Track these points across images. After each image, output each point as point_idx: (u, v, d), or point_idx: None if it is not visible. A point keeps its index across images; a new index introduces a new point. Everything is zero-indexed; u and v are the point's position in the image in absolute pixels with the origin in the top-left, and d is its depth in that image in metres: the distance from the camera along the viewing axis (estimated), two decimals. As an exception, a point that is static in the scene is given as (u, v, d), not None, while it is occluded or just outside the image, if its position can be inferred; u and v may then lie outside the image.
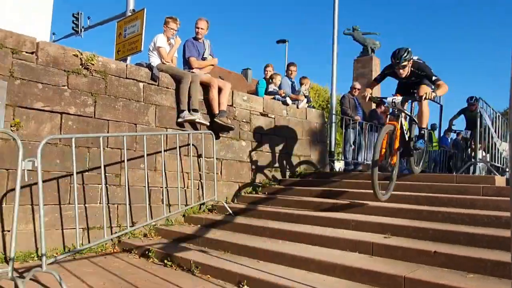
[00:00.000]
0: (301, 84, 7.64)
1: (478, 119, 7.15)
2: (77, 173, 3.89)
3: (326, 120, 7.97)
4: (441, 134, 11.45)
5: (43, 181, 3.42)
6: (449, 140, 12.04)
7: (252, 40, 73.55)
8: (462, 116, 8.80)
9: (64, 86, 4.26)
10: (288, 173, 6.52)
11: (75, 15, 13.40)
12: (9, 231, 3.69)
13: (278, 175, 6.35)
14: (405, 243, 3.34)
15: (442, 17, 72.04)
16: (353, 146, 7.92)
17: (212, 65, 5.92)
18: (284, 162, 6.50)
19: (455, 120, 8.97)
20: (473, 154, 8.28)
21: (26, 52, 4.03)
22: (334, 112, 8.45)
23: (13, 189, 3.62)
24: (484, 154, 7.93)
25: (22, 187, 3.15)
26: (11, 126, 3.85)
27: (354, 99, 8.22)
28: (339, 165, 10.57)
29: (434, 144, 10.87)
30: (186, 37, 5.81)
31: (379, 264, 3.06)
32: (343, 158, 8.36)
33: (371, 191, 4.36)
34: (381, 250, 3.32)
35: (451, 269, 2.91)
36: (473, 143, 8.02)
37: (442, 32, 71.91)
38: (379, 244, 3.38)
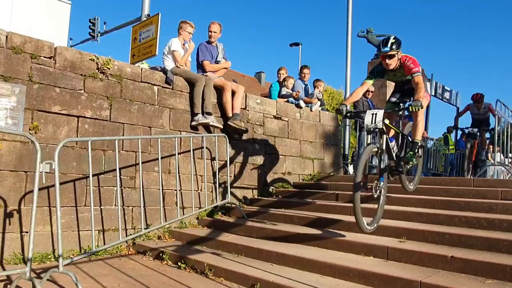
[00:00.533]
0: (315, 86, 7.61)
1: (496, 120, 7.05)
2: (93, 175, 3.95)
3: (340, 123, 7.92)
4: (458, 137, 11.26)
5: (60, 183, 3.48)
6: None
7: (265, 43, 73.69)
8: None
9: (80, 90, 4.34)
10: (301, 176, 6.50)
11: (91, 20, 13.66)
12: (27, 232, 3.77)
13: (292, 178, 6.33)
14: (421, 248, 3.28)
15: (455, 17, 70.95)
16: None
17: (226, 68, 5.95)
18: (298, 165, 6.48)
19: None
20: (486, 155, 8.23)
21: (44, 57, 4.12)
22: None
23: (31, 191, 3.70)
24: (502, 157, 7.78)
25: (39, 189, 3.21)
26: (29, 129, 3.94)
27: (368, 101, 8.14)
28: (353, 168, 10.47)
29: (450, 147, 10.70)
30: (199, 41, 5.86)
31: (395, 269, 3.02)
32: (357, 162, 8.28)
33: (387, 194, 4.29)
34: (397, 255, 3.28)
35: (469, 274, 2.85)
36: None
37: (455, 33, 70.80)
38: (394, 249, 3.33)
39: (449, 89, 12.59)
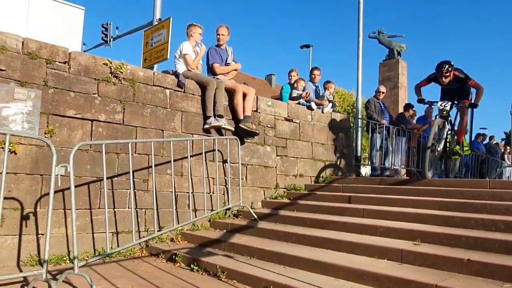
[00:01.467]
0: (325, 88, 7.58)
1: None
2: (107, 178, 4.00)
3: (352, 124, 7.87)
4: (473, 138, 11.09)
5: (75, 186, 3.52)
6: (482, 145, 11.66)
7: (276, 46, 73.81)
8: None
9: (94, 94, 4.40)
10: (313, 178, 6.47)
11: (104, 25, 13.84)
12: (43, 234, 3.83)
13: (304, 180, 6.31)
14: (436, 250, 3.23)
15: (468, 16, 69.97)
16: (379, 151, 7.77)
17: (236, 70, 5.96)
18: (310, 167, 6.45)
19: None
20: (503, 156, 7.96)
21: (59, 62, 4.19)
22: (360, 117, 8.32)
23: (47, 194, 3.77)
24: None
25: (55, 192, 3.27)
26: (45, 133, 4.01)
27: (380, 103, 8.07)
28: (365, 170, 10.41)
29: (465, 148, 10.52)
30: (210, 44, 5.91)
31: (409, 272, 2.98)
32: (369, 163, 8.21)
33: (400, 196, 4.26)
34: (411, 258, 3.23)
35: (486, 278, 2.80)
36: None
37: (468, 31, 69.81)
38: (409, 251, 3.29)
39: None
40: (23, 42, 3.99)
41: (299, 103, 6.72)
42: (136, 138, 4.63)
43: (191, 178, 4.95)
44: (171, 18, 8.27)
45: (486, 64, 67.61)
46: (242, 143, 5.55)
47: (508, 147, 13.75)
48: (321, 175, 6.56)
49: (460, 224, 3.76)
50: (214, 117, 5.23)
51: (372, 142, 7.73)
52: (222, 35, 5.78)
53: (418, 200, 4.57)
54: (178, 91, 5.13)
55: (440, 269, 3.02)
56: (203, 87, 5.31)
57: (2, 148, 3.72)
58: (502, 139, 14.08)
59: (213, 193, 5.22)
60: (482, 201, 4.18)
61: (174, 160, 4.60)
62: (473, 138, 11.10)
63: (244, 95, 5.55)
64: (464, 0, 68.51)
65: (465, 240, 3.35)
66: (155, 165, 4.42)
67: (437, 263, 3.08)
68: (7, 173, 3.22)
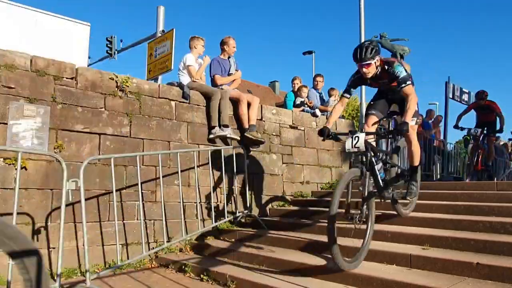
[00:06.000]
0: (330, 95, 7.64)
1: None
2: (116, 190, 4.05)
3: (356, 129, 7.89)
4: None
5: (85, 200, 3.58)
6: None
7: (279, 53, 74.18)
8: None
9: (101, 108, 4.48)
10: (320, 185, 6.48)
11: (108, 39, 14.02)
12: (54, 248, 3.88)
13: (310, 187, 6.32)
14: (445, 255, 3.23)
15: (471, 19, 69.88)
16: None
17: (237, 78, 5.96)
18: (316, 173, 6.47)
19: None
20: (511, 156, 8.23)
21: (67, 78, 4.28)
22: (363, 121, 8.33)
23: (57, 208, 3.83)
24: None
25: (65, 206, 3.32)
26: (54, 148, 4.08)
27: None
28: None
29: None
30: (215, 54, 5.96)
31: (419, 277, 2.99)
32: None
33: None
34: (420, 262, 3.23)
35: (495, 281, 2.79)
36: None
37: (469, 35, 69.63)
38: (418, 256, 3.29)
39: (467, 91, 12.38)
40: (31, 60, 4.08)
41: (303, 110, 6.76)
42: (143, 150, 4.69)
43: (199, 188, 4.99)
44: (174, 30, 8.37)
45: (491, 64, 67.32)
46: (248, 152, 5.59)
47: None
48: (328, 181, 6.57)
49: (468, 227, 3.75)
50: (220, 127, 5.29)
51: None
52: (233, 47, 5.81)
53: (425, 204, 4.56)
54: (183, 102, 5.19)
55: (449, 274, 3.02)
56: (207, 97, 5.37)
57: (13, 164, 3.80)
58: (509, 139, 13.94)
59: (220, 202, 5.26)
60: (490, 204, 4.17)
61: (181, 171, 4.64)
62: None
63: (249, 104, 5.60)
64: (465, 1, 68.47)
65: (474, 244, 3.34)
66: (163, 176, 4.47)
67: (447, 268, 3.07)
68: (18, 188, 3.28)
